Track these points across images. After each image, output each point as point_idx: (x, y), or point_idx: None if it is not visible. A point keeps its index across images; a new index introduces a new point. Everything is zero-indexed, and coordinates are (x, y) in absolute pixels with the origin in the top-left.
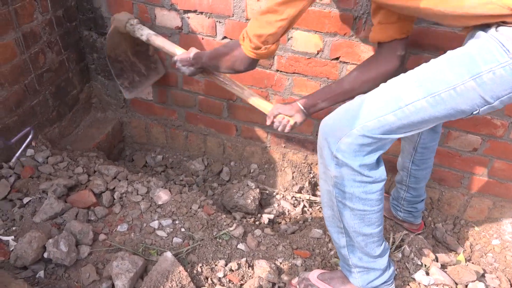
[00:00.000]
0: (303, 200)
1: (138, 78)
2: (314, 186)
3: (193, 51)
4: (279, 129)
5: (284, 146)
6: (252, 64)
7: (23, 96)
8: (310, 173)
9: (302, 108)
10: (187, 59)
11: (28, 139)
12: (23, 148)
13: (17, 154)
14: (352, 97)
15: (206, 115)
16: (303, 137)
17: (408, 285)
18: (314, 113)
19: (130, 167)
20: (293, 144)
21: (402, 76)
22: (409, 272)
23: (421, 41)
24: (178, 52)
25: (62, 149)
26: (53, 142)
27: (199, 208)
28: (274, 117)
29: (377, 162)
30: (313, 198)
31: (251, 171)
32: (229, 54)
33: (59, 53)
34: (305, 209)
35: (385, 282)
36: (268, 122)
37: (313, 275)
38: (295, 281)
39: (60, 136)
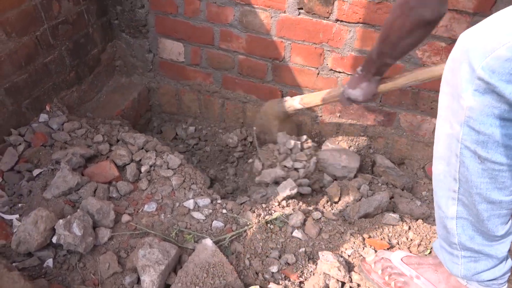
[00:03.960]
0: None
1: None
2: (373, 166)
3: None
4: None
5: (339, 116)
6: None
7: (35, 50)
8: (370, 148)
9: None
10: (354, 78)
11: None
12: None
13: None
14: None
15: (247, 78)
16: (363, 105)
17: None
18: (383, 66)
19: (158, 140)
20: (350, 113)
21: None
22: None
23: None
24: (338, 90)
25: (81, 116)
26: (71, 108)
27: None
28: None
29: None
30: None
31: None
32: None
33: (76, 3)
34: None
35: (497, 277)
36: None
37: (396, 256)
38: (370, 259)
39: (80, 102)
